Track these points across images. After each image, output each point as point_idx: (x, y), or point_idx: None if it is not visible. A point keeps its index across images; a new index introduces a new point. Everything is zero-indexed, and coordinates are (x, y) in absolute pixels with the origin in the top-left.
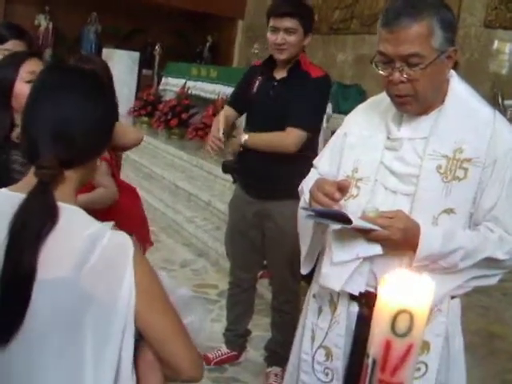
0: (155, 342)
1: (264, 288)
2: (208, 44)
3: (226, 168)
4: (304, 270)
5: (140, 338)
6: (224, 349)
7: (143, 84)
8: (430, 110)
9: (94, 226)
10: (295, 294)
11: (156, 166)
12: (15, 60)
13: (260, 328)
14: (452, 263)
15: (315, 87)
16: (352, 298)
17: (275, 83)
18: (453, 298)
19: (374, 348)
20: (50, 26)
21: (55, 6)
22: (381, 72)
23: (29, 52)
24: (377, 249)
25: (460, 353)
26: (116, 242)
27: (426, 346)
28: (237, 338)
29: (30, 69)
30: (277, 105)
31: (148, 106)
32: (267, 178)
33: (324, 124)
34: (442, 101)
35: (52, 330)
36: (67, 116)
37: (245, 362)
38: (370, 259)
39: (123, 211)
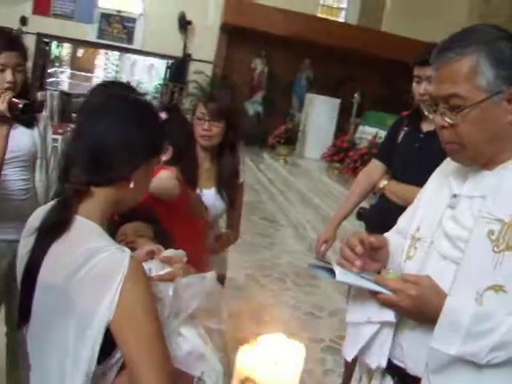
0: (126, 362)
1: None
2: None
3: (360, 215)
4: None
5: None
6: None
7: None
8: (494, 164)
9: (98, 242)
10: None
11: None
12: None
13: None
14: (477, 351)
15: None
16: (388, 371)
17: (421, 135)
18: None
19: None
20: (266, 69)
21: (271, 51)
22: (430, 116)
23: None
24: (388, 315)
25: None
26: (110, 259)
27: None
28: None
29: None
30: (421, 158)
31: (341, 152)
32: None
33: None
34: None
35: (45, 324)
36: (98, 137)
37: None
38: (395, 329)
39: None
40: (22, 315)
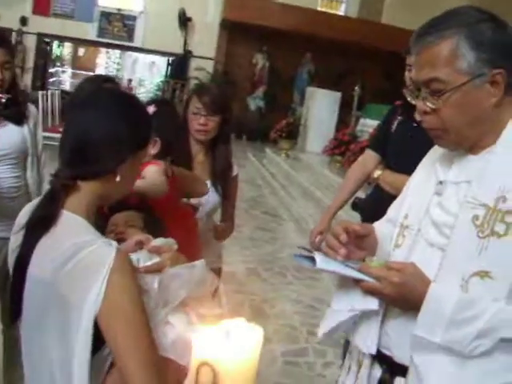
0: (113, 355)
1: None
2: None
3: (355, 206)
4: None
5: None
6: None
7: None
8: (480, 148)
9: (84, 236)
10: None
11: None
12: None
13: None
14: (460, 339)
15: None
16: (377, 359)
17: (415, 124)
18: None
19: None
20: (267, 64)
21: (272, 47)
22: (412, 102)
23: None
24: (372, 303)
25: None
26: (97, 252)
27: None
28: None
29: None
30: (414, 147)
31: (342, 145)
32: None
33: None
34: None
35: (35, 318)
36: (84, 130)
37: None
38: (382, 317)
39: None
40: (14, 310)
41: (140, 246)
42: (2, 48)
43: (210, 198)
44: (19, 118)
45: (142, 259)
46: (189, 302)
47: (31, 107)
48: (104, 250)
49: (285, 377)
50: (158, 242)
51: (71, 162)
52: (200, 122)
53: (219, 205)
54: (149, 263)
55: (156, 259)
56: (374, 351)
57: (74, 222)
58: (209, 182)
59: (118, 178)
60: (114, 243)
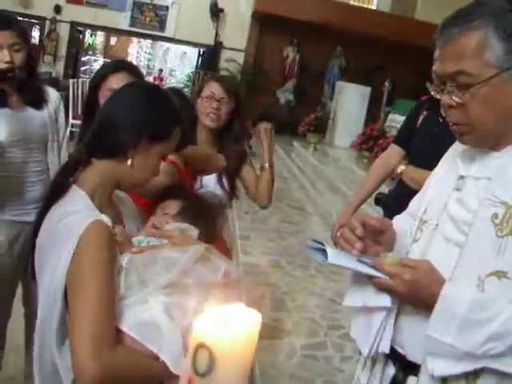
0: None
1: None
2: None
3: (378, 201)
4: None
5: None
6: None
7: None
8: (502, 145)
9: (74, 207)
10: None
11: None
12: None
13: None
14: (473, 341)
15: None
16: (390, 357)
17: (441, 120)
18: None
19: None
20: (297, 57)
21: (303, 40)
22: (437, 96)
23: None
24: (385, 300)
25: None
26: (75, 220)
27: None
28: None
29: None
30: (439, 143)
31: (370, 140)
32: None
33: None
34: None
35: (39, 281)
36: (106, 116)
37: None
38: (396, 314)
39: None
40: (31, 273)
41: (154, 228)
42: (8, 30)
43: (210, 187)
44: (38, 103)
45: (151, 241)
46: (191, 291)
47: (51, 92)
48: (82, 220)
49: (302, 370)
50: (172, 226)
51: (89, 141)
52: (213, 106)
53: (225, 199)
54: (142, 244)
55: (164, 242)
56: (386, 349)
57: (76, 194)
58: (214, 176)
59: (129, 162)
60: (103, 216)
